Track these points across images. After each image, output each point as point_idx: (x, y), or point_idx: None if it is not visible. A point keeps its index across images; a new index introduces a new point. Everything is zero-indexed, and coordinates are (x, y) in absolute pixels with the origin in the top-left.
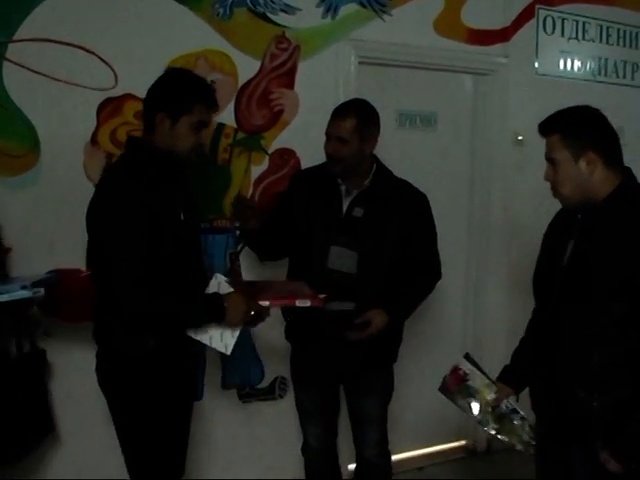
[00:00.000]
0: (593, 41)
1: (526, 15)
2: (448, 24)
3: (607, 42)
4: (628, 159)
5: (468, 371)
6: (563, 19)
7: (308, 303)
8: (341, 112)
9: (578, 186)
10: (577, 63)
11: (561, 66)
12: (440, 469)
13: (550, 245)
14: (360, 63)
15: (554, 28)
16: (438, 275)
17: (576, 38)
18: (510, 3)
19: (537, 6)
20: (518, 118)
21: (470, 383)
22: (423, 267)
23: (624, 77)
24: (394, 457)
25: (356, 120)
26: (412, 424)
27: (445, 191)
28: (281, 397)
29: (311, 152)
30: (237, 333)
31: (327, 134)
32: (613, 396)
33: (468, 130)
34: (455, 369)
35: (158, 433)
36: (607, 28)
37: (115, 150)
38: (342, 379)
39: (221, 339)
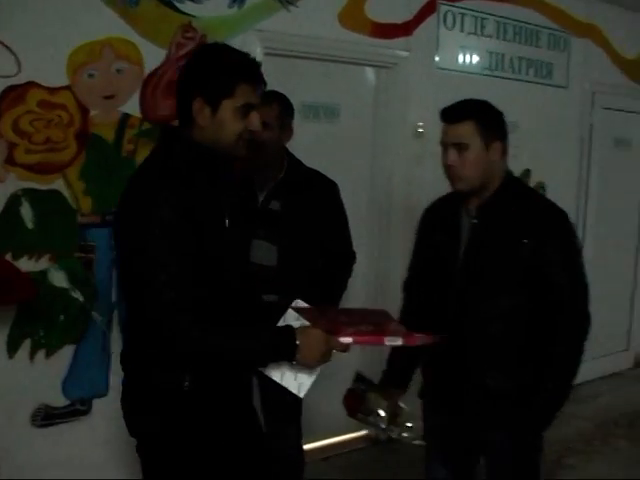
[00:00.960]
0: (491, 37)
1: (428, 10)
2: (352, 17)
3: (504, 38)
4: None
5: (361, 391)
6: (463, 15)
7: (400, 342)
8: (267, 98)
9: (483, 172)
10: (475, 58)
11: (460, 60)
12: (344, 459)
13: (436, 240)
14: (266, 54)
15: (454, 23)
16: (353, 259)
17: (475, 33)
18: None
19: (438, 1)
20: (418, 111)
21: (368, 401)
22: (338, 257)
23: (519, 72)
24: None
25: (279, 108)
26: (316, 415)
27: (347, 182)
28: None
29: None
30: (316, 374)
31: None
32: (522, 377)
33: (370, 122)
34: (349, 393)
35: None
36: (504, 25)
37: (18, 140)
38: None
39: (295, 377)
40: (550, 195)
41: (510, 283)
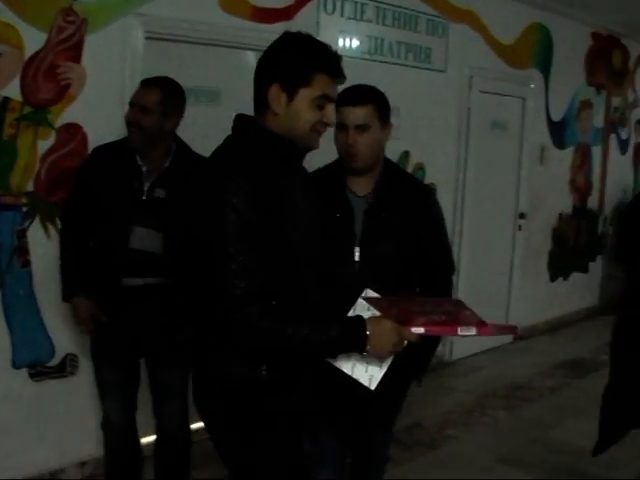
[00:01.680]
0: (370, 22)
1: None
2: (233, 1)
3: (383, 23)
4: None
5: None
6: (343, 0)
7: (473, 332)
8: (148, 82)
9: (378, 151)
10: (355, 42)
11: (340, 45)
12: None
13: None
14: (147, 38)
15: (334, 8)
16: None
17: (355, 18)
18: None
19: None
20: None
21: None
22: None
23: (399, 57)
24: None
25: (162, 94)
26: None
27: None
28: (72, 374)
29: (97, 127)
30: (387, 365)
31: (130, 103)
32: None
33: (251, 106)
34: None
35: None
36: (384, 10)
37: None
38: (143, 353)
39: (366, 369)
40: (429, 176)
41: (406, 261)
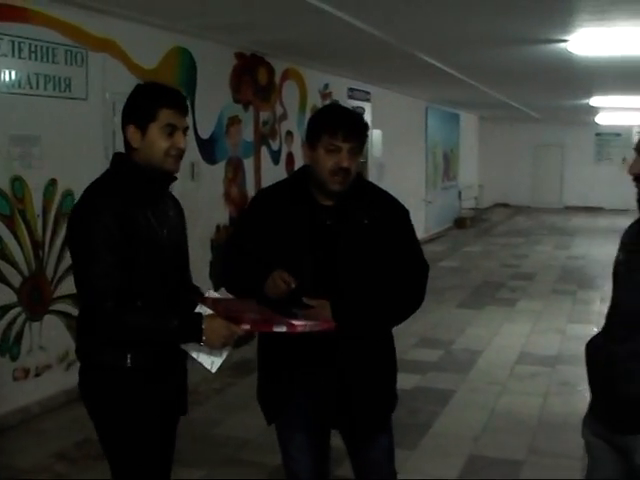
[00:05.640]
0: (6, 56)
1: None
2: None
3: (20, 57)
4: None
5: None
6: None
7: (284, 329)
8: None
9: None
10: None
11: None
12: None
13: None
14: None
15: None
16: None
17: None
18: None
19: None
20: None
21: None
22: None
23: (38, 88)
24: None
25: None
26: None
27: None
28: None
29: None
30: (226, 353)
31: None
32: None
33: None
34: None
35: (142, 448)
36: (19, 43)
37: None
38: None
39: (209, 356)
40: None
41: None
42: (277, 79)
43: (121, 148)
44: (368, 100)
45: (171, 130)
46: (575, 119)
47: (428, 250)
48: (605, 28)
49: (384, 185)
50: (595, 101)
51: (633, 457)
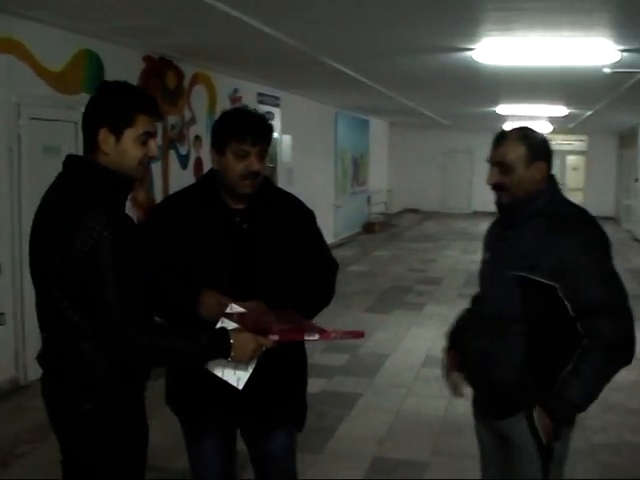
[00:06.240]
0: None
1: None
2: None
3: None
4: None
5: None
6: None
7: (317, 337)
8: None
9: None
10: None
11: None
12: None
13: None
14: None
15: None
16: None
17: None
18: None
19: None
20: None
21: None
22: None
23: None
24: None
25: None
26: None
27: None
28: None
29: None
30: (252, 367)
31: None
32: None
33: None
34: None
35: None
36: None
37: None
38: None
39: (234, 372)
40: None
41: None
42: (186, 83)
43: (26, 150)
44: (278, 105)
45: (145, 138)
46: (484, 126)
47: (337, 255)
48: (509, 38)
49: (293, 190)
50: (502, 109)
51: (514, 439)
